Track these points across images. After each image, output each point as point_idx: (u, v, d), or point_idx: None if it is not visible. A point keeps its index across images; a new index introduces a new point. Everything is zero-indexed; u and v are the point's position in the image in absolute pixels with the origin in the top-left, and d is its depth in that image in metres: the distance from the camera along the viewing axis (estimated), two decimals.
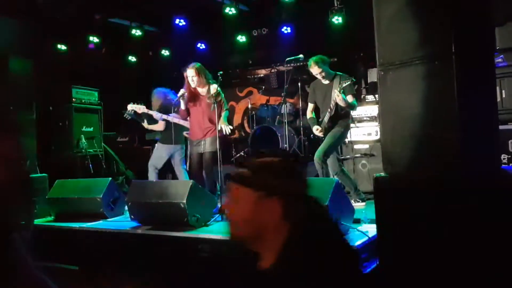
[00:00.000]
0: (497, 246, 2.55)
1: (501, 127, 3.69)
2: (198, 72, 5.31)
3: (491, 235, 2.58)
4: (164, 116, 5.97)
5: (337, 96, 4.91)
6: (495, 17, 5.39)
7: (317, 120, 5.37)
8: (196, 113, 5.46)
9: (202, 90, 5.42)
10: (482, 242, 2.59)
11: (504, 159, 5.08)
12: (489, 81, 2.97)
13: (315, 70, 5.14)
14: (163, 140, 6.19)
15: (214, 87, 5.27)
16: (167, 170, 6.67)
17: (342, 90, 4.96)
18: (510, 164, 5.08)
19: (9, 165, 1.78)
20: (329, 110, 5.12)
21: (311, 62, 5.14)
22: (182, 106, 5.43)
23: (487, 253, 2.58)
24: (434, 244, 2.75)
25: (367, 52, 8.02)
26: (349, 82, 4.94)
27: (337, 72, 5.23)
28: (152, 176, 6.06)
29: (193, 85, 5.33)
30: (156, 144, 6.36)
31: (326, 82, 5.23)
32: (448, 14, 2.73)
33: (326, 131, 5.20)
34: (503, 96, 5.29)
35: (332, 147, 5.11)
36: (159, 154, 6.17)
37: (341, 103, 4.93)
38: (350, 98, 5.10)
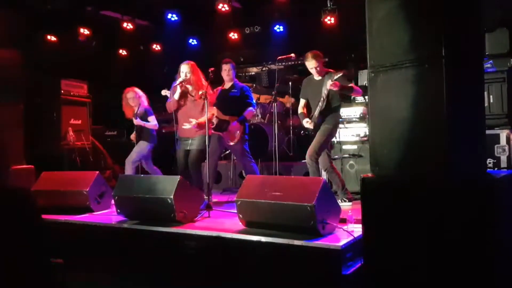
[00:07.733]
0: (483, 246, 2.59)
1: (487, 132, 3.73)
2: (193, 70, 5.34)
3: (476, 235, 2.61)
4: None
5: (330, 83, 4.89)
6: (485, 23, 5.45)
7: (308, 116, 5.39)
8: (185, 110, 5.46)
9: (191, 89, 5.40)
10: (467, 242, 2.63)
11: (489, 163, 5.14)
12: (478, 85, 3.01)
13: (312, 63, 5.16)
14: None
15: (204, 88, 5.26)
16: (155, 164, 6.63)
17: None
18: (496, 169, 5.14)
19: None
20: (319, 104, 5.14)
21: (309, 55, 5.15)
22: (176, 96, 5.35)
23: (472, 253, 2.62)
24: (420, 245, 2.78)
25: (358, 53, 8.04)
26: (340, 74, 4.97)
27: (329, 70, 5.26)
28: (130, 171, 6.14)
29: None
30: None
31: (318, 78, 5.26)
32: (439, 18, 2.75)
33: (315, 126, 5.22)
34: (491, 101, 5.34)
35: (323, 145, 5.13)
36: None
37: (336, 88, 4.89)
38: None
